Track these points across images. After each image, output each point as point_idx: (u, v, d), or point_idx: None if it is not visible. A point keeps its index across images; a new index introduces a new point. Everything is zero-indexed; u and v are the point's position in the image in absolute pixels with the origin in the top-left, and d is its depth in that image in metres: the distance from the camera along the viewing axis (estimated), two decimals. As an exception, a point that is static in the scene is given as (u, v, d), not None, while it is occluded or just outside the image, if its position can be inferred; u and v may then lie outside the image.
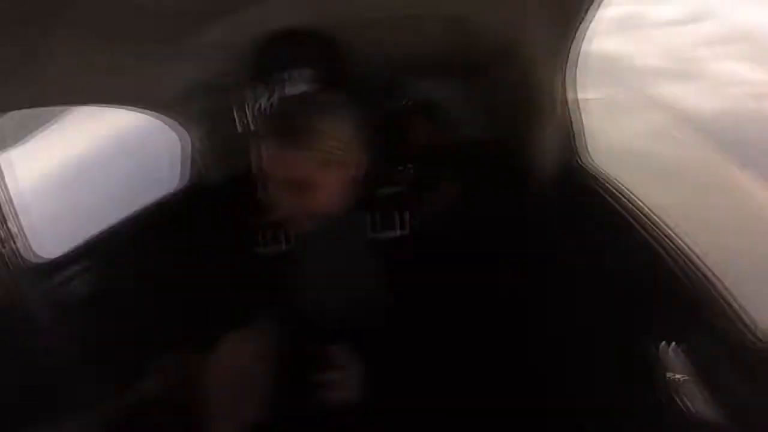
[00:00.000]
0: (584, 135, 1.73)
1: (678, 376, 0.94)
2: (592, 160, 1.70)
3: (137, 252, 1.97)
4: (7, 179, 1.58)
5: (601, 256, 1.45)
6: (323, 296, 1.54)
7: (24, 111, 1.57)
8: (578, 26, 1.43)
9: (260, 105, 1.73)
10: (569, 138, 1.70)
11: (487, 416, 1.48)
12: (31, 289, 1.65)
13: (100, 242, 1.90)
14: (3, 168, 1.56)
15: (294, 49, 1.71)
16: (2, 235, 1.56)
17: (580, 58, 1.60)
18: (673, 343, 1.00)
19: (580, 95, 1.71)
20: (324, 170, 1.25)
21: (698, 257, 1.06)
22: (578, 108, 1.71)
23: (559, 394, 1.70)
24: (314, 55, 1.71)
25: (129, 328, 1.89)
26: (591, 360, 1.51)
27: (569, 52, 1.55)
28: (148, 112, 1.93)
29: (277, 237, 1.50)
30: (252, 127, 1.80)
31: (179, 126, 2.08)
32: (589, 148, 1.76)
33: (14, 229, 1.59)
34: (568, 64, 1.61)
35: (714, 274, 1.00)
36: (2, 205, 1.55)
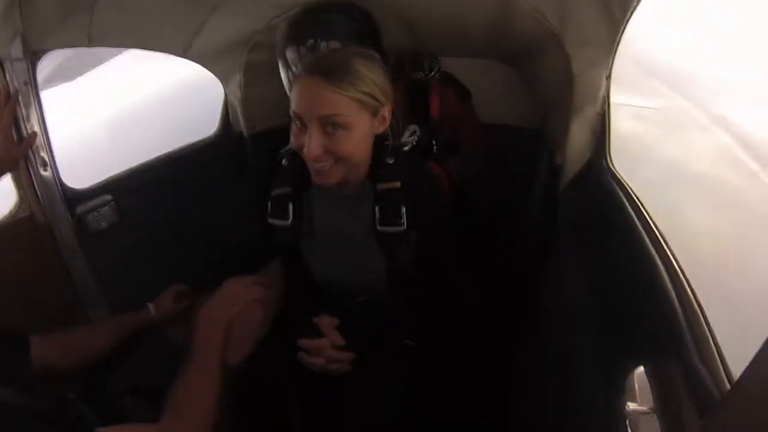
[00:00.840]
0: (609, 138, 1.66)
1: (634, 404, 0.89)
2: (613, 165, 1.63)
3: (158, 191, 2.07)
4: (51, 113, 1.66)
5: (603, 261, 1.42)
6: (331, 269, 1.62)
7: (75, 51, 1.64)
8: (629, 17, 1.39)
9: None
10: (603, 137, 1.63)
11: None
12: (57, 213, 1.75)
13: (124, 179, 1.98)
14: (45, 102, 1.63)
15: (330, 19, 1.73)
16: (38, 160, 1.65)
17: (646, 64, 1.52)
18: (642, 368, 0.95)
19: (641, 102, 1.63)
20: (357, 111, 1.34)
21: (689, 285, 1.00)
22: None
23: (524, 392, 1.75)
24: (350, 27, 1.73)
25: (140, 261, 2.01)
26: (565, 364, 1.49)
27: (617, 45, 1.49)
28: (190, 60, 1.97)
29: (285, 210, 1.59)
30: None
31: (217, 77, 2.12)
32: (636, 158, 1.70)
33: (46, 158, 1.67)
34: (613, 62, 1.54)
35: (700, 308, 0.94)
36: (39, 135, 1.63)
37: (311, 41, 1.67)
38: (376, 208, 1.51)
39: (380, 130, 1.44)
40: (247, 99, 2.18)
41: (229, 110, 2.25)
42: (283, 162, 1.61)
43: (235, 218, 2.31)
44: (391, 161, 1.50)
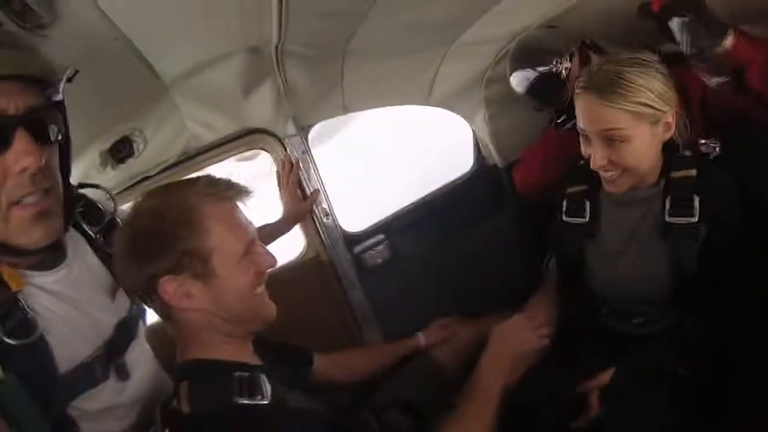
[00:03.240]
0: None
1: None
2: None
3: (424, 228, 2.29)
4: (321, 170, 2.08)
5: None
6: (611, 272, 1.56)
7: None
8: None
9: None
10: None
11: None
12: (339, 253, 2.14)
13: (394, 220, 2.27)
14: (317, 161, 2.07)
15: (546, 43, 1.77)
16: (321, 211, 2.08)
17: None
18: None
19: None
20: (634, 123, 1.31)
21: None
22: None
23: None
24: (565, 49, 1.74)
25: (410, 292, 2.26)
26: None
27: None
28: (433, 107, 2.18)
29: (581, 208, 1.59)
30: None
31: (462, 117, 2.27)
32: None
33: (327, 208, 2.08)
34: None
35: None
36: (322, 188, 2.06)
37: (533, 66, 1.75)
38: (667, 199, 1.42)
39: (666, 136, 1.38)
40: (495, 132, 2.25)
41: (480, 145, 2.37)
42: (581, 162, 1.59)
43: (497, 249, 2.38)
44: (687, 153, 1.44)
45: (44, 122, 0.96)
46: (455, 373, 2.00)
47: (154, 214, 1.08)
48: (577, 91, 1.37)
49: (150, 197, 1.13)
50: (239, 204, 1.15)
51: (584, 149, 1.41)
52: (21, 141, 0.90)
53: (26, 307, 0.93)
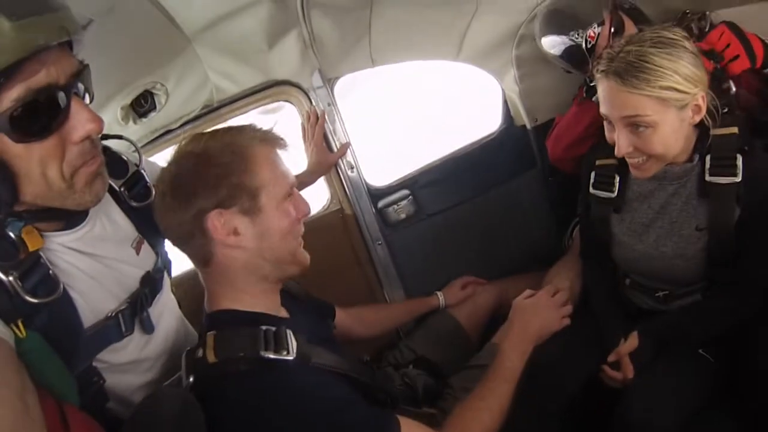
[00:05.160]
0: None
1: None
2: None
3: (450, 186, 2.26)
4: (347, 124, 2.05)
5: None
6: (638, 245, 1.52)
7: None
8: None
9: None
10: None
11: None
12: (363, 207, 2.14)
13: (419, 176, 2.24)
14: (343, 114, 2.03)
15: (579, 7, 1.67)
16: (345, 164, 2.06)
17: None
18: None
19: None
20: (660, 109, 1.24)
21: None
22: None
23: None
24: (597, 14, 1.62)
25: (433, 249, 2.27)
26: None
27: None
28: (463, 62, 2.09)
29: (610, 182, 1.54)
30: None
31: (492, 75, 2.18)
32: None
33: (352, 162, 2.07)
34: None
35: None
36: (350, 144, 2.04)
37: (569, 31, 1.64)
38: (707, 157, 1.35)
39: (696, 120, 1.29)
40: (525, 92, 2.16)
41: (510, 105, 2.28)
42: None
43: (522, 210, 2.36)
44: (726, 112, 1.35)
45: (87, 86, 0.95)
46: (473, 332, 2.03)
47: (203, 153, 1.11)
48: (597, 75, 1.30)
49: (196, 139, 1.15)
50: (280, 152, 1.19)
51: (608, 135, 1.35)
52: (80, 109, 0.89)
53: (48, 264, 0.94)
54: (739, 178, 1.30)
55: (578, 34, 1.63)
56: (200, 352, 1.08)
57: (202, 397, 1.02)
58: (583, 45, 1.63)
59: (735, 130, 1.32)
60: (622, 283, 1.64)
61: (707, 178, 1.34)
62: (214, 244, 1.10)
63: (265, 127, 1.18)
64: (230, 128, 1.19)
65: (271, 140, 1.16)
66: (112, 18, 1.01)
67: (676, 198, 1.42)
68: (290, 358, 1.08)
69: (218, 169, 1.08)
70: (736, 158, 1.30)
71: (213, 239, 1.09)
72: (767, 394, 1.33)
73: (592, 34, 1.61)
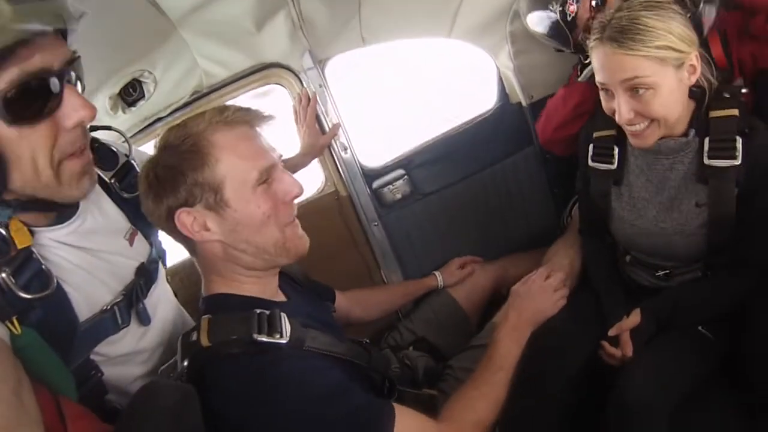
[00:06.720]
0: None
1: None
2: None
3: (445, 164, 2.24)
4: (339, 104, 2.02)
5: None
6: (638, 221, 1.52)
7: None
8: None
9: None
10: None
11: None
12: (358, 188, 2.12)
13: (414, 155, 2.21)
14: (335, 95, 2.00)
15: None
16: (339, 145, 2.04)
17: None
18: None
19: None
20: (658, 69, 1.24)
21: None
22: None
23: None
24: None
25: (430, 229, 2.26)
26: None
27: None
28: (456, 39, 2.05)
29: (609, 154, 1.53)
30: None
31: (486, 52, 2.14)
32: None
33: (346, 143, 2.05)
34: None
35: None
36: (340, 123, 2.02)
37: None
38: (706, 140, 1.35)
39: (692, 80, 1.30)
40: (520, 69, 2.13)
41: (504, 82, 2.25)
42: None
43: (519, 189, 2.33)
44: (727, 95, 1.35)
45: (79, 75, 0.94)
46: (472, 312, 2.04)
47: (168, 148, 1.09)
48: (591, 44, 1.29)
49: (168, 132, 1.13)
50: (257, 129, 1.13)
51: (606, 105, 1.34)
52: (72, 96, 0.89)
53: (40, 259, 0.93)
54: (738, 161, 1.30)
55: (557, 3, 1.62)
56: (194, 336, 1.08)
57: (196, 380, 1.03)
58: (563, 18, 1.62)
59: (735, 112, 1.31)
60: (622, 260, 1.64)
61: (706, 161, 1.34)
62: (191, 240, 1.11)
63: (232, 106, 1.13)
64: (189, 118, 1.14)
65: (234, 120, 1.10)
66: (94, 4, 0.98)
67: (674, 173, 1.41)
68: (283, 341, 1.08)
69: (176, 168, 1.06)
70: (735, 141, 1.30)
71: (187, 236, 1.10)
72: (765, 371, 1.33)
73: (573, 8, 1.59)
